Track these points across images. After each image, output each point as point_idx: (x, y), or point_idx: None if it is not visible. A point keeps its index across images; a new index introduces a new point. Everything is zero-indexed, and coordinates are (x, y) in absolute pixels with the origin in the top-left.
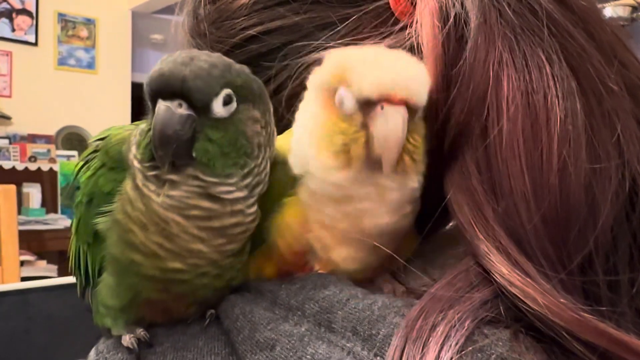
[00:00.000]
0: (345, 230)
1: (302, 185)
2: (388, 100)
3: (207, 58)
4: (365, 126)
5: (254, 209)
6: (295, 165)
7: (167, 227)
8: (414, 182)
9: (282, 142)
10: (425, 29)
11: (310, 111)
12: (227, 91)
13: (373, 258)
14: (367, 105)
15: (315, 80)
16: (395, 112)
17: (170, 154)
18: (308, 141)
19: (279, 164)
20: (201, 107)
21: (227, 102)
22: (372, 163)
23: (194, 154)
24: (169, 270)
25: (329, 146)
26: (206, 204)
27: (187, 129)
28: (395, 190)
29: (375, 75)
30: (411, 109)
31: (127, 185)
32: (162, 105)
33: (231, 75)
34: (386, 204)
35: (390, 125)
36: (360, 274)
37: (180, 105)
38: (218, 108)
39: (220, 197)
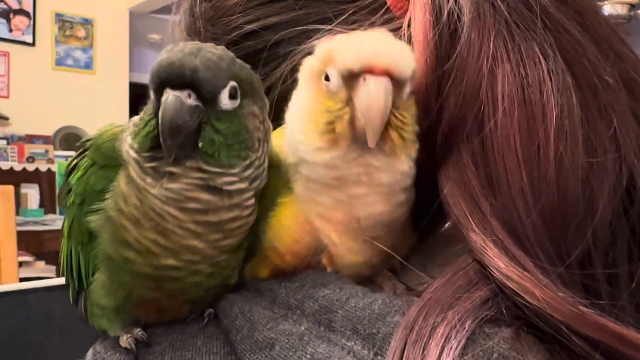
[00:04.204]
0: (342, 220)
1: (297, 176)
2: (370, 71)
3: (214, 50)
4: (350, 102)
5: (252, 201)
6: (290, 153)
7: (162, 222)
8: (404, 164)
9: (274, 144)
10: (418, 24)
11: (300, 98)
12: (232, 84)
13: (375, 250)
14: (351, 80)
15: (305, 68)
16: (377, 80)
17: (178, 144)
18: (297, 127)
19: (271, 167)
20: (209, 99)
21: (232, 95)
22: (360, 141)
23: (200, 145)
24: (162, 267)
25: (316, 126)
26: (205, 196)
27: (194, 120)
28: (383, 172)
29: (357, 48)
30: (396, 81)
31: (121, 181)
32: (171, 94)
33: (236, 68)
34: (377, 187)
35: (372, 93)
36: (365, 268)
37: (190, 95)
38: (225, 100)
39: (221, 188)
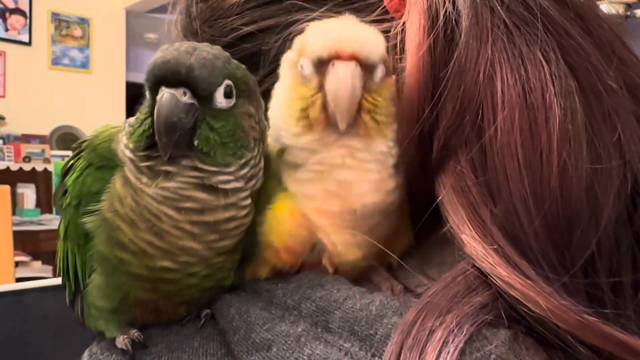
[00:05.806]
0: (338, 212)
1: (288, 174)
2: (338, 56)
3: (209, 49)
4: (322, 88)
5: (248, 201)
6: (273, 141)
7: (157, 223)
8: (382, 145)
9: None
10: (412, 29)
11: (279, 88)
12: (228, 82)
13: (373, 244)
14: (322, 67)
15: (284, 61)
16: (344, 65)
17: (173, 142)
18: (277, 114)
19: (268, 175)
20: (204, 97)
21: (228, 93)
22: (335, 125)
23: (195, 143)
24: (157, 269)
25: (292, 112)
26: (201, 195)
27: (189, 118)
28: (364, 152)
29: (325, 36)
30: (365, 65)
31: (117, 182)
32: (166, 92)
33: (231, 67)
34: (365, 174)
35: (340, 78)
36: (362, 263)
37: (185, 93)
38: (220, 98)
39: (217, 187)
